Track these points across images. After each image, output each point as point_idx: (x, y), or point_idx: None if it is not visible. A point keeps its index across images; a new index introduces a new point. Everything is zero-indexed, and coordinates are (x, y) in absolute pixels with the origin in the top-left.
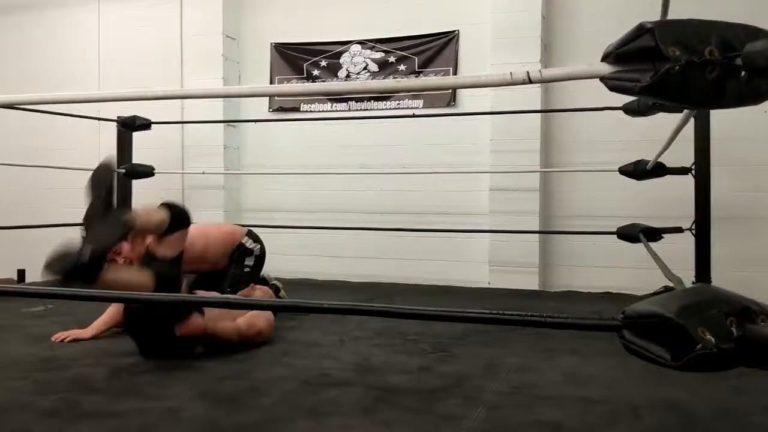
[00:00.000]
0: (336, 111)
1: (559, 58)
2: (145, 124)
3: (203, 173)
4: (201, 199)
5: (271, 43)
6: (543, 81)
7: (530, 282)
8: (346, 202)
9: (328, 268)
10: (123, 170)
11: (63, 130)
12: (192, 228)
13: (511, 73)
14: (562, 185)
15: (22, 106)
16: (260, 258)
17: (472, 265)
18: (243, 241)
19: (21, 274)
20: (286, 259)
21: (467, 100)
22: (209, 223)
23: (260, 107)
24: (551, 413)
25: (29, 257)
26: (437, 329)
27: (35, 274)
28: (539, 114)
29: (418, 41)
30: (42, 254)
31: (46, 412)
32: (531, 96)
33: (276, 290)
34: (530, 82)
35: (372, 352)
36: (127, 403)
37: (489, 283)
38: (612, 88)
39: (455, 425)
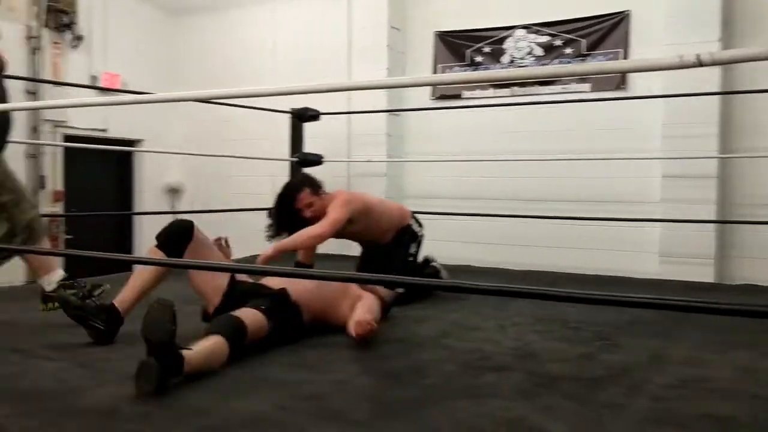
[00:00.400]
0: (499, 97)
1: (741, 37)
2: (314, 115)
3: (368, 161)
4: (365, 187)
5: (435, 32)
6: (715, 63)
7: (705, 274)
8: (509, 189)
9: (487, 255)
10: (296, 158)
11: (239, 122)
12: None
13: (680, 56)
14: (743, 171)
15: (210, 101)
16: (420, 245)
17: (640, 256)
18: (410, 224)
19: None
20: (445, 245)
21: (638, 82)
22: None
23: (423, 95)
24: (721, 408)
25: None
26: (600, 318)
27: None
28: (717, 96)
29: (586, 23)
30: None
31: (234, 378)
32: (708, 77)
33: (436, 272)
34: (701, 65)
35: (532, 338)
36: (299, 374)
37: (659, 275)
38: None
39: (618, 414)
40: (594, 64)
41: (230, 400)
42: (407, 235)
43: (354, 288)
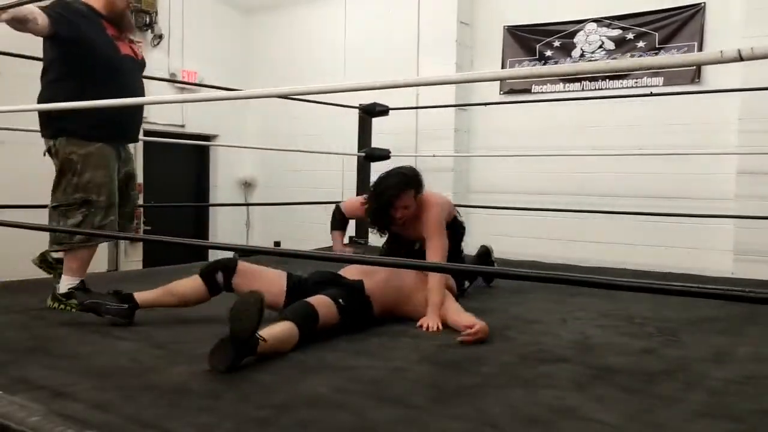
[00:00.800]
0: (569, 91)
1: None
2: (383, 110)
3: (434, 156)
4: (432, 181)
5: (504, 26)
6: (755, 58)
7: None
8: (578, 185)
9: (554, 251)
10: (363, 153)
11: (309, 117)
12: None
13: (721, 51)
14: None
15: (284, 97)
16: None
17: (713, 254)
18: (456, 215)
19: (277, 245)
20: (510, 240)
21: (713, 76)
22: None
23: (492, 90)
24: None
25: (283, 231)
26: (667, 314)
27: (288, 245)
28: None
29: (659, 16)
30: (294, 228)
31: (299, 362)
32: None
33: (487, 253)
34: (741, 59)
35: (594, 333)
36: (361, 360)
37: (732, 274)
38: None
39: (672, 406)
40: (641, 60)
41: (294, 382)
42: (455, 227)
43: (425, 279)
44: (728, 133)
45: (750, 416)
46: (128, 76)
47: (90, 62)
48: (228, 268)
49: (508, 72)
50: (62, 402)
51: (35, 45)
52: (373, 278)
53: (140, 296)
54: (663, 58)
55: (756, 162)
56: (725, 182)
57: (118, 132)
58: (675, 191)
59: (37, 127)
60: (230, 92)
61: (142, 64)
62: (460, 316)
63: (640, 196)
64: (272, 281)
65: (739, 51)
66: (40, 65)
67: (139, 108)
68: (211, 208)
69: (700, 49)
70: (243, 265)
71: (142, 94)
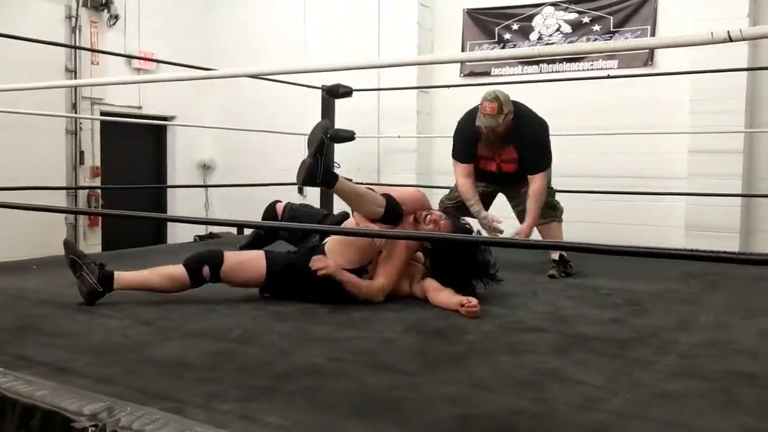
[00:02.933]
0: (527, 74)
1: None
2: (347, 92)
3: (398, 137)
4: (395, 162)
5: (464, 9)
6: (745, 39)
7: (730, 248)
8: None
9: (511, 229)
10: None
11: (270, 98)
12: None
13: (711, 32)
14: None
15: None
16: None
17: (666, 230)
18: None
19: (240, 229)
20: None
21: (665, 59)
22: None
23: (452, 72)
24: (747, 365)
25: (243, 213)
26: (630, 286)
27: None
28: (745, 72)
29: (614, 0)
30: (254, 210)
31: (287, 336)
32: (736, 53)
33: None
34: (731, 40)
35: (565, 304)
36: (349, 332)
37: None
38: None
39: (647, 368)
40: (628, 41)
41: (288, 354)
42: None
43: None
44: (680, 114)
45: (719, 376)
46: None
47: None
48: (215, 261)
49: (468, 55)
50: (66, 377)
51: None
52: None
53: (120, 278)
54: (653, 39)
55: (706, 141)
56: (677, 161)
57: None
58: (630, 170)
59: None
60: (191, 72)
61: None
62: (443, 294)
63: (596, 175)
64: (255, 266)
65: (728, 32)
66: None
67: None
68: (169, 190)
69: (653, 33)
70: (228, 255)
71: None
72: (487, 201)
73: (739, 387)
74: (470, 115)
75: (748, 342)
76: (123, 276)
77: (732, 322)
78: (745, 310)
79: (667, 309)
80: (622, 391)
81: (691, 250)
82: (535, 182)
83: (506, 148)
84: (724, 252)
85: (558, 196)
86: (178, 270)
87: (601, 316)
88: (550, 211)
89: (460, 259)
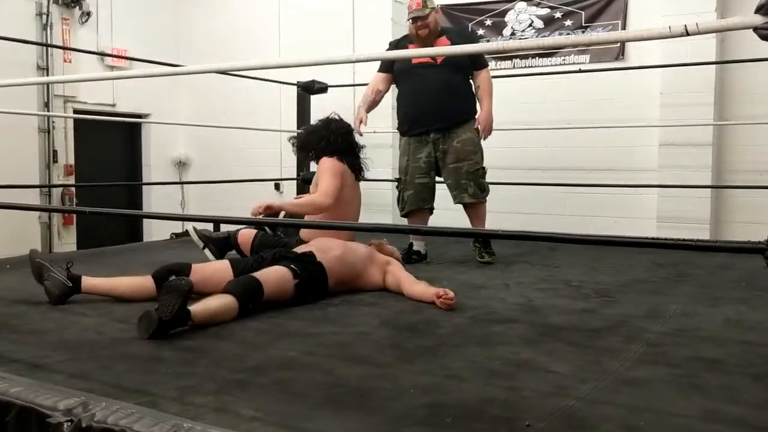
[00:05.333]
0: (500, 69)
1: (739, 6)
2: (322, 88)
3: (374, 132)
4: (372, 158)
5: (438, 5)
6: (700, 33)
7: (700, 238)
8: (509, 159)
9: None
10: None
11: (245, 95)
12: None
13: (669, 27)
14: (737, 139)
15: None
16: None
17: (638, 222)
18: None
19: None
20: (447, 213)
21: (635, 53)
22: None
23: None
24: (712, 351)
25: (219, 211)
26: (600, 278)
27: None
28: (714, 65)
29: None
30: (231, 208)
31: (261, 331)
32: (705, 47)
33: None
34: (688, 34)
35: (536, 296)
36: (324, 327)
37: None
38: (763, 38)
39: (615, 357)
40: (588, 36)
41: (262, 348)
42: None
43: (378, 254)
44: (651, 108)
45: (686, 363)
46: None
47: None
48: (182, 271)
49: (440, 50)
50: (41, 373)
51: None
52: (324, 253)
53: (87, 282)
54: (613, 33)
55: (676, 134)
56: (648, 154)
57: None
58: (602, 163)
59: None
60: (165, 68)
61: None
62: (417, 286)
63: (568, 168)
64: (222, 276)
65: (685, 26)
66: None
67: None
68: (144, 188)
69: (624, 27)
70: (195, 267)
71: None
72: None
73: (703, 372)
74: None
75: (714, 329)
76: (90, 280)
77: (699, 310)
78: (711, 299)
79: (635, 299)
80: (590, 378)
81: (658, 239)
82: (481, 75)
83: (440, 39)
84: (690, 240)
85: (531, 189)
86: (146, 280)
87: (572, 306)
88: (480, 193)
89: None
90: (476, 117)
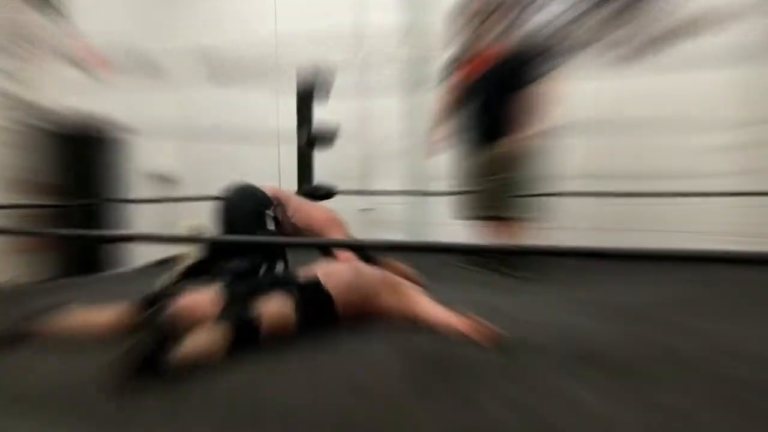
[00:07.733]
0: None
1: None
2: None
3: None
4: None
5: None
6: None
7: None
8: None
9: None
10: (306, 142)
11: (240, 104)
12: None
13: None
14: None
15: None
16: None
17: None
18: None
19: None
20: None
21: None
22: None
23: None
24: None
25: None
26: (627, 295)
27: None
28: None
29: None
30: None
31: (257, 370)
32: None
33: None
34: None
35: (561, 317)
36: (332, 361)
37: None
38: None
39: (669, 390)
40: None
41: (260, 389)
42: None
43: (391, 275)
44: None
45: (725, 383)
46: None
47: None
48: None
49: None
50: None
51: None
52: (332, 277)
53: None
54: None
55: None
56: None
57: None
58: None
59: None
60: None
61: None
62: (438, 311)
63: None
64: (210, 305)
65: None
66: None
67: None
68: (131, 207)
69: None
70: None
71: None
72: None
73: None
74: None
75: (753, 347)
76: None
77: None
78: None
79: (667, 318)
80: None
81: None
82: None
83: None
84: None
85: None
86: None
87: (601, 328)
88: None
89: None
90: None
